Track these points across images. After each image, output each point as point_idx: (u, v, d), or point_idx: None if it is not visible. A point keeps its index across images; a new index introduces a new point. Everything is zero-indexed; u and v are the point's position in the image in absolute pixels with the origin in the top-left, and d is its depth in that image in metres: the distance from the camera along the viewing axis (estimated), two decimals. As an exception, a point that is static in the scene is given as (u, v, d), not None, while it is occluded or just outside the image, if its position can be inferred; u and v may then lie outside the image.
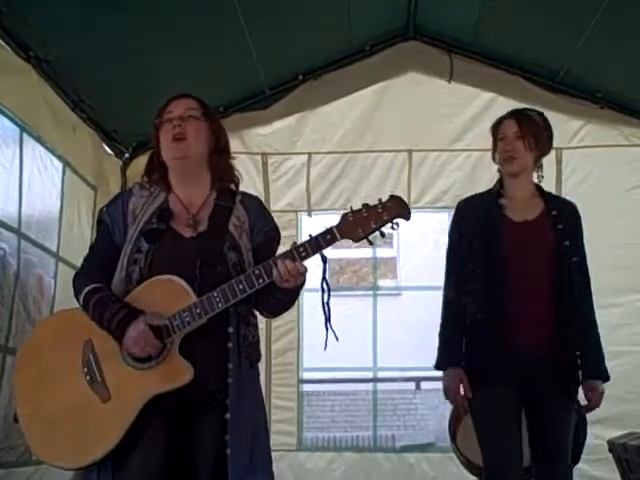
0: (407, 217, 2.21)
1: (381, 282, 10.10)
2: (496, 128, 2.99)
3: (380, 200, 2.21)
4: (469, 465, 3.99)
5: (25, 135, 3.77)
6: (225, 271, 2.27)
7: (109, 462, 2.23)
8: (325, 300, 2.30)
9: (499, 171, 3.00)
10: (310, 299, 5.66)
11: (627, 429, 4.25)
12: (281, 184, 5.14)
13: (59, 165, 4.16)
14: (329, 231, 2.19)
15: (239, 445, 2.25)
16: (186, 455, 2.26)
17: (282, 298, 2.32)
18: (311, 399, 9.57)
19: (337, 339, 2.33)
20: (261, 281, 2.20)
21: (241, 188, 2.52)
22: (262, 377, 4.99)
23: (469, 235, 2.93)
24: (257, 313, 2.44)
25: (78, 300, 2.34)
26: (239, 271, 2.29)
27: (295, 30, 4.41)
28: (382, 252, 10.48)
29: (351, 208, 2.22)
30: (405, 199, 2.25)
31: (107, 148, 4.89)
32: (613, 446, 4.08)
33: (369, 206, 2.21)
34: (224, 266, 2.28)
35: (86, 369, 2.26)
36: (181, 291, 2.22)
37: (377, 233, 2.22)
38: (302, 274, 2.20)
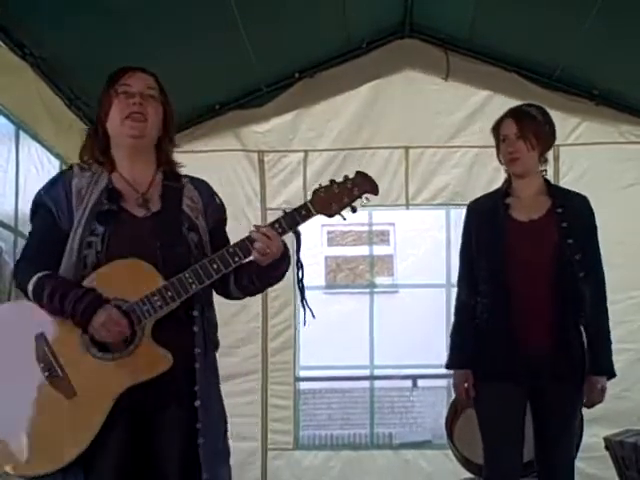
0: (376, 192, 2.19)
1: (378, 280, 10.10)
2: (497, 129, 2.98)
3: (347, 177, 2.18)
4: (466, 463, 4.00)
5: (21, 133, 3.76)
6: (186, 252, 2.18)
7: (80, 467, 2.05)
8: (300, 277, 2.24)
9: (506, 171, 3.00)
10: (307, 297, 5.68)
11: (623, 427, 4.25)
12: (277, 182, 5.12)
13: (55, 162, 4.14)
14: (304, 206, 2.15)
15: (211, 433, 2.14)
16: (154, 445, 2.11)
17: (264, 275, 2.21)
18: (308, 397, 9.55)
19: (314, 317, 2.31)
20: (237, 259, 2.10)
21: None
22: (259, 375, 5.01)
23: (477, 236, 2.95)
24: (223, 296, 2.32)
25: (25, 290, 2.14)
26: (201, 252, 2.20)
27: (291, 28, 4.40)
28: (379, 250, 10.48)
29: (320, 185, 2.18)
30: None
31: (103, 146, 4.86)
32: (610, 443, 4.07)
33: (338, 183, 2.17)
34: (185, 247, 2.18)
35: (42, 364, 2.05)
36: (146, 274, 2.09)
37: (349, 208, 2.18)
38: (278, 244, 2.12)
